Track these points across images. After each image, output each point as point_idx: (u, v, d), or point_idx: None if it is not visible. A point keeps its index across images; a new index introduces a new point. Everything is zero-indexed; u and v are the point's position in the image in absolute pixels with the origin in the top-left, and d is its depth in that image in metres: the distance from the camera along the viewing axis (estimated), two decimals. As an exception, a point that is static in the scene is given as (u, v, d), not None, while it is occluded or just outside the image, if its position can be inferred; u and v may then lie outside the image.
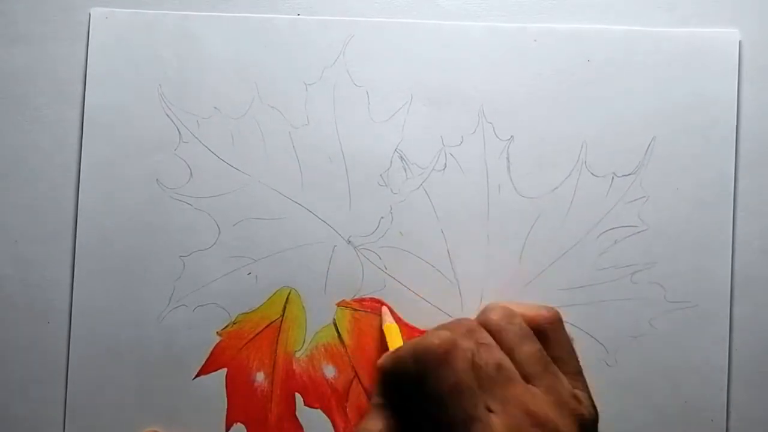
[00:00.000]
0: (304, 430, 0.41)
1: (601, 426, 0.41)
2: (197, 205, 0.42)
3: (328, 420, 0.42)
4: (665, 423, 0.41)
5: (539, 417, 0.32)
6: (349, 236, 0.42)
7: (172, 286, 0.42)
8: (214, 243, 0.42)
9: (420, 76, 0.42)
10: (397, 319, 0.42)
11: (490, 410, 0.32)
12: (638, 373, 0.41)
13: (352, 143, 0.42)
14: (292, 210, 0.42)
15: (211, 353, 0.42)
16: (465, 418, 0.31)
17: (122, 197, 0.42)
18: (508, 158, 0.42)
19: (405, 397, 0.33)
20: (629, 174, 0.42)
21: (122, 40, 0.43)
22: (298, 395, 0.42)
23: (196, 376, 0.42)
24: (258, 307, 0.42)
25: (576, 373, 0.35)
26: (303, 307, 0.42)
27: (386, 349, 0.39)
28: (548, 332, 0.35)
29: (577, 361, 0.35)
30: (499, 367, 0.33)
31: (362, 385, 0.42)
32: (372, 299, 0.42)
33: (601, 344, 0.41)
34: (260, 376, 0.42)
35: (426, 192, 0.42)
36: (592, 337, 0.41)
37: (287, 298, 0.42)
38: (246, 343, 0.42)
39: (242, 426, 0.42)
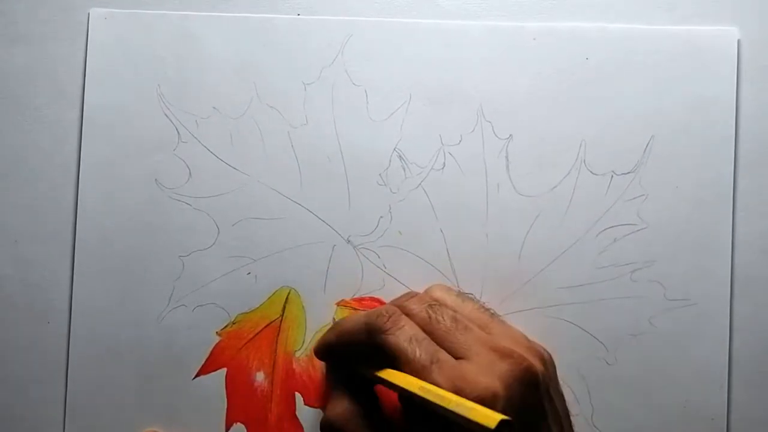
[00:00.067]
0: (304, 429, 0.41)
1: (600, 424, 0.41)
2: (196, 205, 0.42)
3: (328, 419, 0.41)
4: (665, 422, 0.41)
5: (505, 351, 0.33)
6: (349, 236, 0.42)
7: (171, 286, 0.42)
8: (214, 243, 0.42)
9: (419, 76, 0.42)
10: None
11: (458, 358, 0.33)
12: (638, 371, 0.41)
13: (351, 143, 0.42)
14: (291, 210, 0.42)
15: (211, 353, 0.42)
16: (431, 361, 0.32)
17: (121, 197, 0.42)
18: (507, 157, 0.42)
19: (358, 362, 0.36)
20: (628, 172, 0.42)
21: (121, 41, 0.43)
22: (298, 395, 0.42)
23: (196, 376, 0.42)
24: (257, 307, 0.42)
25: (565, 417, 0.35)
26: (302, 306, 0.42)
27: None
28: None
29: (565, 406, 0.36)
30: (454, 318, 0.35)
31: (362, 385, 0.42)
32: (371, 298, 0.42)
33: (601, 343, 0.41)
34: (260, 376, 0.42)
35: (425, 191, 0.42)
36: (591, 335, 0.41)
37: (287, 298, 0.42)
38: (246, 343, 0.42)
39: (242, 426, 0.42)
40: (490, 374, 0.31)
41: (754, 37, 0.42)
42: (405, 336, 0.33)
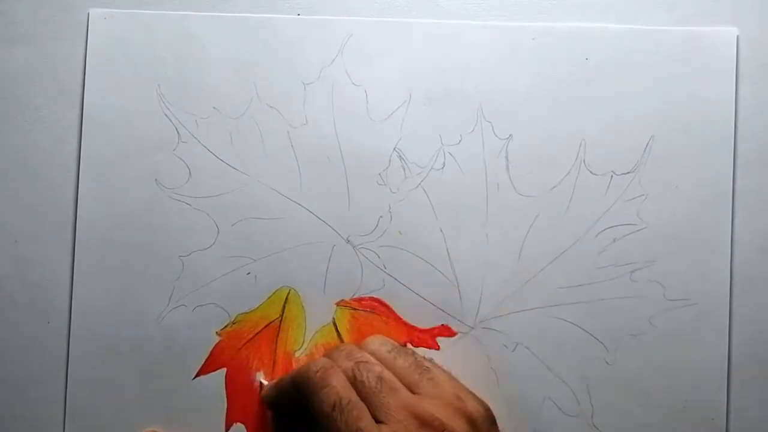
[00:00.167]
0: (304, 429, 0.41)
1: (600, 424, 0.41)
2: (196, 205, 0.42)
3: (328, 419, 0.41)
4: (665, 422, 0.41)
5: (426, 418, 0.33)
6: (348, 235, 0.42)
7: (171, 286, 0.42)
8: (213, 243, 0.42)
9: (418, 75, 0.42)
10: (397, 319, 0.42)
11: (378, 421, 0.33)
12: (638, 371, 0.41)
13: (351, 142, 0.42)
14: (291, 209, 0.42)
15: (211, 353, 0.42)
16: (350, 431, 0.33)
17: (121, 197, 0.42)
18: (506, 157, 0.42)
19: (295, 420, 0.37)
20: (628, 172, 0.42)
21: (121, 41, 0.43)
22: (297, 395, 0.42)
23: (196, 376, 0.42)
24: (257, 307, 0.42)
25: None
26: (302, 306, 0.42)
27: None
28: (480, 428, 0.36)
29: None
30: (380, 378, 0.35)
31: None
32: (371, 298, 0.42)
33: (601, 343, 0.41)
34: (260, 376, 0.42)
35: (425, 191, 0.42)
36: (591, 335, 0.41)
37: (286, 298, 0.42)
38: (245, 343, 0.42)
39: (242, 426, 0.41)
40: None
41: (753, 37, 0.42)
42: (329, 401, 0.34)
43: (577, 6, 0.43)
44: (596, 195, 0.42)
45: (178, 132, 0.42)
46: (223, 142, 0.42)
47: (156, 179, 0.42)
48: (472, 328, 0.41)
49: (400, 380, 0.36)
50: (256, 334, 0.42)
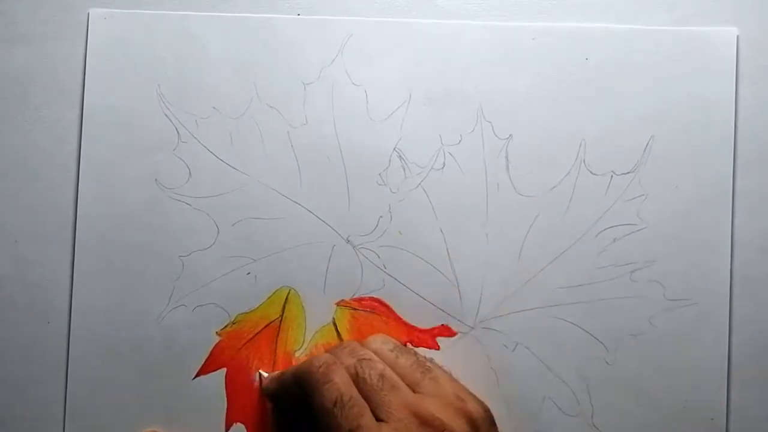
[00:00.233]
0: (304, 429, 0.41)
1: (600, 424, 0.41)
2: (196, 205, 0.42)
3: (328, 419, 0.41)
4: (665, 422, 0.41)
5: (426, 417, 0.34)
6: (348, 235, 0.42)
7: (171, 286, 0.42)
8: (213, 243, 0.42)
9: (419, 75, 0.42)
10: (397, 319, 0.42)
11: (379, 419, 0.33)
12: (638, 371, 0.41)
13: (351, 142, 0.42)
14: (291, 209, 0.42)
15: (211, 353, 0.42)
16: (351, 428, 0.33)
17: (121, 197, 0.42)
18: (506, 157, 0.42)
19: (296, 415, 0.37)
20: (628, 172, 0.42)
21: (121, 41, 0.43)
22: (297, 395, 0.42)
23: (196, 376, 0.42)
24: (257, 307, 0.42)
25: None
26: (302, 306, 0.42)
27: None
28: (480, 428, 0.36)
29: None
30: (382, 376, 0.35)
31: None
32: (371, 298, 0.42)
33: (601, 343, 0.41)
34: (260, 371, 0.42)
35: (425, 191, 0.42)
36: (591, 335, 0.41)
37: (286, 298, 0.42)
38: (245, 343, 0.42)
39: (242, 426, 0.41)
40: None
41: (753, 37, 0.42)
42: (331, 397, 0.34)
43: (577, 6, 0.43)
44: (596, 195, 0.42)
45: (178, 132, 0.42)
46: (223, 142, 0.42)
47: (156, 179, 0.42)
48: (472, 328, 0.41)
49: (402, 379, 0.36)
50: (256, 334, 0.42)
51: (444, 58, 0.42)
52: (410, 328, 0.42)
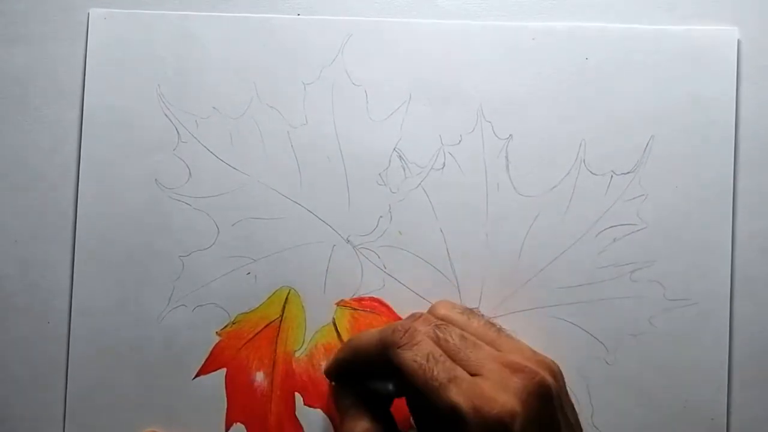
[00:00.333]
0: (304, 429, 0.41)
1: (600, 424, 0.41)
2: (196, 205, 0.42)
3: (328, 420, 0.42)
4: (665, 422, 0.41)
5: (517, 367, 0.33)
6: (348, 235, 0.42)
7: (171, 286, 0.42)
8: (213, 243, 0.42)
9: (418, 75, 0.42)
10: (397, 318, 0.42)
11: (471, 375, 0.32)
12: (638, 371, 0.41)
13: (351, 142, 0.42)
14: (291, 209, 0.42)
15: (211, 353, 0.42)
16: (449, 378, 0.32)
17: (121, 197, 0.42)
18: (506, 157, 0.42)
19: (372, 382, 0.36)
20: (628, 172, 0.42)
21: (121, 41, 0.43)
22: (297, 395, 0.42)
23: (196, 376, 0.42)
24: (257, 307, 0.42)
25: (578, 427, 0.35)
26: (302, 306, 0.42)
27: None
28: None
29: (577, 416, 0.35)
30: (462, 336, 0.34)
31: (361, 385, 0.42)
32: (371, 298, 0.42)
33: (601, 343, 0.41)
34: (260, 376, 0.42)
35: (425, 191, 0.42)
36: (591, 335, 0.41)
37: (286, 298, 0.42)
38: (245, 343, 0.42)
39: (242, 426, 0.41)
40: (505, 391, 0.31)
41: (754, 36, 0.42)
42: (422, 352, 0.33)
43: (577, 6, 0.43)
44: (596, 195, 0.42)
45: (178, 132, 0.42)
46: (223, 142, 0.42)
47: (156, 179, 0.42)
48: (472, 328, 0.41)
49: (479, 339, 0.35)
50: (256, 334, 0.42)
51: (444, 58, 0.42)
52: (410, 328, 0.42)
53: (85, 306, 0.42)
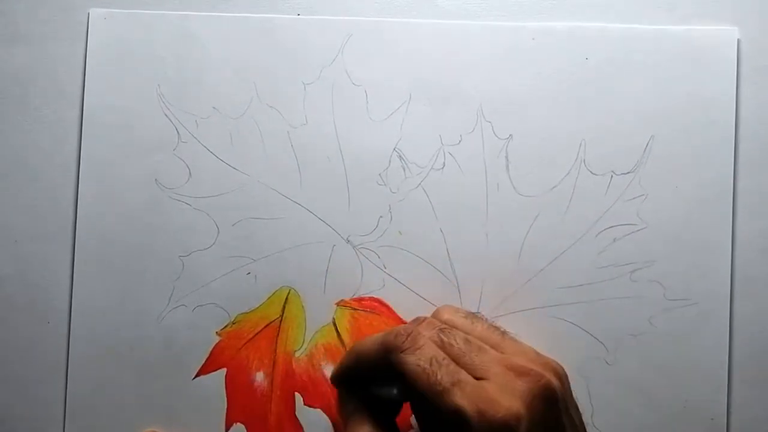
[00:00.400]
0: (304, 429, 0.41)
1: (600, 424, 0.41)
2: (196, 205, 0.42)
3: (328, 420, 0.42)
4: (665, 422, 0.41)
5: (522, 368, 0.32)
6: (348, 235, 0.42)
7: (171, 286, 0.42)
8: (213, 243, 0.42)
9: (418, 75, 0.42)
10: (397, 319, 0.42)
11: (476, 378, 0.32)
12: (638, 371, 0.41)
13: (351, 142, 0.42)
14: (291, 209, 0.42)
15: (211, 353, 0.42)
16: (452, 382, 0.31)
17: (121, 197, 0.42)
18: (506, 157, 0.42)
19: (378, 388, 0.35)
20: (628, 172, 0.42)
21: (121, 41, 0.43)
22: (297, 395, 0.42)
23: (196, 376, 0.42)
24: (257, 307, 0.42)
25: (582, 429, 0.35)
26: (302, 306, 0.42)
27: None
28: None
29: (581, 418, 0.35)
30: (467, 340, 0.34)
31: (361, 385, 0.42)
32: (371, 298, 0.42)
33: (601, 343, 0.41)
34: (260, 376, 0.42)
35: (425, 191, 0.42)
36: (591, 335, 0.41)
37: (286, 298, 0.42)
38: (245, 343, 0.42)
39: (242, 426, 0.41)
40: (510, 394, 0.31)
41: (754, 37, 0.42)
42: (425, 356, 0.32)
43: (577, 6, 0.43)
44: (596, 195, 0.42)
45: (178, 132, 0.42)
46: (223, 142, 0.42)
47: (156, 179, 0.42)
48: (472, 328, 0.41)
49: (484, 342, 0.35)
50: (256, 334, 0.42)
51: (444, 58, 0.42)
52: (410, 328, 0.42)
53: (85, 306, 0.42)
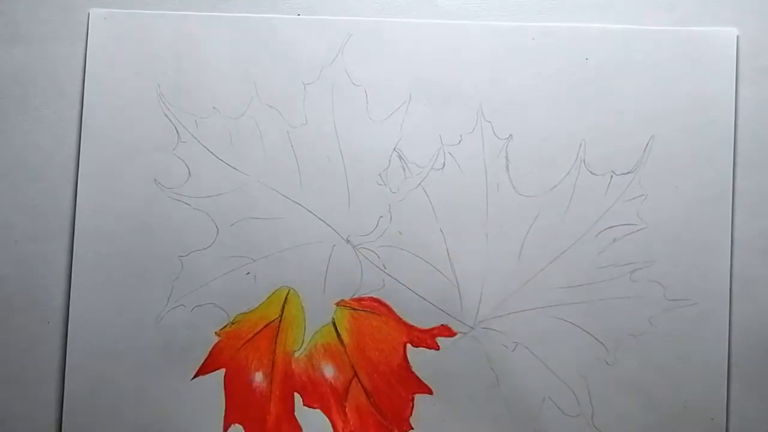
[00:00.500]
0: (303, 429, 0.41)
1: (600, 425, 0.41)
2: (195, 205, 0.42)
3: (327, 419, 0.41)
4: (665, 422, 0.41)
5: None
6: (348, 235, 0.42)
7: (170, 286, 0.42)
8: (213, 243, 0.42)
9: (419, 76, 0.42)
10: (396, 319, 0.42)
11: None
12: (638, 371, 0.41)
13: (351, 142, 0.42)
14: (290, 209, 0.42)
15: (210, 353, 0.42)
16: None
17: (121, 197, 0.42)
18: (506, 157, 0.42)
19: None
20: (628, 172, 0.42)
21: (121, 41, 0.43)
22: (297, 395, 0.42)
23: (195, 376, 0.42)
24: (256, 307, 0.42)
25: None
26: (302, 306, 0.42)
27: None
28: None
29: None
30: None
31: (361, 384, 0.42)
32: (371, 298, 0.42)
33: (601, 343, 0.41)
34: (259, 376, 0.42)
35: (425, 191, 0.42)
36: (591, 335, 0.41)
37: (286, 298, 0.42)
38: (244, 343, 0.42)
39: (240, 427, 0.41)
40: None
41: (753, 37, 0.42)
42: None
43: (577, 6, 0.43)
44: (596, 195, 0.42)
45: (177, 132, 0.42)
46: (223, 142, 0.42)
47: (155, 179, 0.42)
48: (472, 328, 0.41)
49: None
50: (256, 334, 0.42)
51: (444, 58, 0.42)
52: (410, 328, 0.42)
53: (84, 306, 0.42)
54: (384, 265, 0.42)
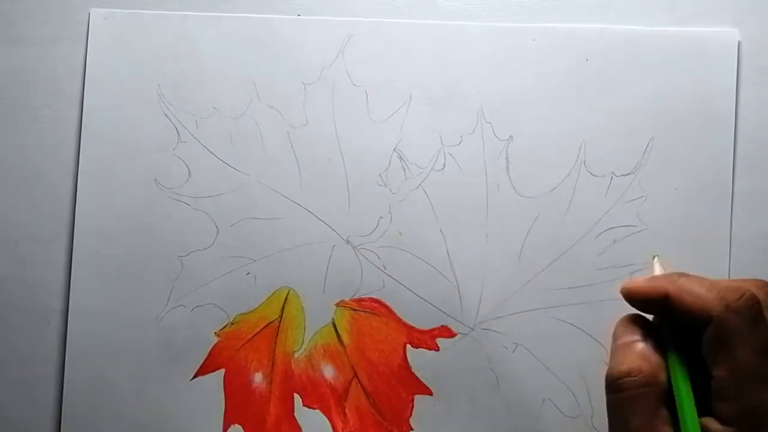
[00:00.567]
0: (303, 430, 0.41)
1: (600, 426, 0.41)
2: (195, 205, 0.42)
3: (327, 420, 0.41)
4: (665, 423, 0.41)
5: None
6: (348, 236, 0.42)
7: (170, 286, 0.42)
8: (213, 243, 0.42)
9: (419, 76, 0.42)
10: (396, 319, 0.42)
11: None
12: (638, 372, 0.41)
13: (351, 143, 0.42)
14: (290, 210, 0.42)
15: (209, 354, 0.42)
16: None
17: (121, 197, 0.42)
18: (507, 158, 0.42)
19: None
20: (628, 174, 0.42)
21: (121, 41, 0.43)
22: (296, 396, 0.42)
23: (194, 376, 0.42)
24: (256, 308, 0.42)
25: None
26: (302, 307, 0.42)
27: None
28: None
29: None
30: None
31: (361, 385, 0.42)
32: (371, 299, 0.42)
33: (601, 344, 0.41)
34: (258, 377, 0.42)
35: (425, 192, 0.42)
36: (591, 337, 0.41)
37: (286, 298, 0.42)
38: (244, 344, 0.42)
39: (240, 427, 0.41)
40: None
41: (754, 37, 0.42)
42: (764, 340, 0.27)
43: (577, 6, 0.43)
44: (596, 196, 0.42)
45: (177, 132, 0.42)
46: (223, 142, 0.42)
47: (155, 179, 0.42)
48: (472, 329, 0.41)
49: None
50: (255, 334, 0.42)
51: (444, 59, 0.42)
52: (410, 328, 0.42)
53: (84, 306, 0.42)
54: (384, 266, 0.42)
